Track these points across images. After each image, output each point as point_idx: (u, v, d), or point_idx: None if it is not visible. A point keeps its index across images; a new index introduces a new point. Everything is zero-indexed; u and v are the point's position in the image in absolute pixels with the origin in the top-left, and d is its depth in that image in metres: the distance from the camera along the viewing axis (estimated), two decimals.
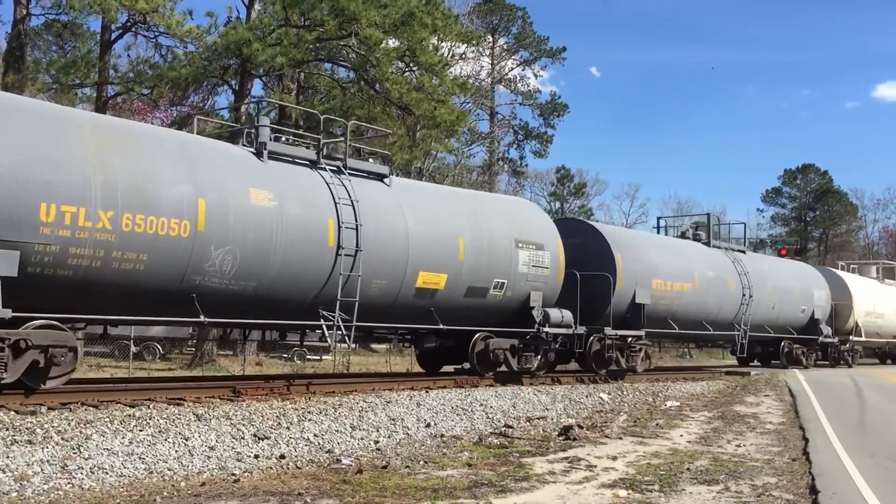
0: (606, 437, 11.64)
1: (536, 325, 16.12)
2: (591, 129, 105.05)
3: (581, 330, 17.31)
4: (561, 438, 11.39)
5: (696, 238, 23.99)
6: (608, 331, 18.17)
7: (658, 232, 26.54)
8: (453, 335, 15.36)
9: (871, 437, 12.48)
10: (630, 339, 19.08)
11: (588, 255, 18.41)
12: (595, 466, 9.35)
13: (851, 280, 32.69)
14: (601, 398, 16.09)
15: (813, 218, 73.03)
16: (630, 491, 8.06)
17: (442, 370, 17.33)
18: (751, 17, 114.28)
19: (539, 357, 16.61)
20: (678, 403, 16.65)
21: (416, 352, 17.97)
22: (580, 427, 11.97)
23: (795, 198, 74.25)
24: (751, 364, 28.00)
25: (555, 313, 16.48)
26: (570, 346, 17.35)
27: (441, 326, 14.55)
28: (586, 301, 17.62)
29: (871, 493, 8.02)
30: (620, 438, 11.60)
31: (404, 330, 15.57)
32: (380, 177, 14.33)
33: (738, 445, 11.25)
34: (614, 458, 9.90)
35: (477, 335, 15.44)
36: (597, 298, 18.10)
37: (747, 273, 23.40)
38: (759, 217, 76.37)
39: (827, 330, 28.00)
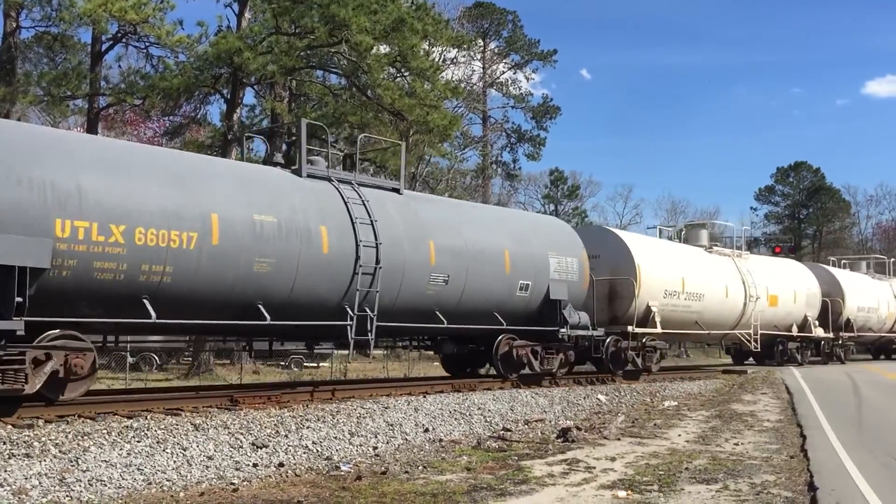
0: (605, 438, 11.66)
1: None
2: (584, 131, 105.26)
3: None
4: (559, 440, 11.40)
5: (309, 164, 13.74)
6: None
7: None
8: None
9: (868, 433, 12.51)
10: None
11: None
12: (594, 468, 9.36)
13: (638, 243, 21.31)
14: (599, 399, 16.12)
15: (806, 215, 73.16)
16: (629, 491, 8.07)
17: None
18: (739, 17, 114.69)
19: None
20: (676, 403, 16.70)
21: None
22: (578, 429, 11.99)
23: (788, 196, 74.38)
24: (465, 373, 17.89)
25: None
26: None
27: None
28: None
29: (870, 489, 8.05)
30: (619, 439, 11.62)
31: None
32: None
33: (737, 444, 11.28)
34: (613, 459, 9.92)
35: None
36: None
37: (375, 222, 13.39)
38: (753, 216, 76.61)
39: (577, 318, 17.29)
